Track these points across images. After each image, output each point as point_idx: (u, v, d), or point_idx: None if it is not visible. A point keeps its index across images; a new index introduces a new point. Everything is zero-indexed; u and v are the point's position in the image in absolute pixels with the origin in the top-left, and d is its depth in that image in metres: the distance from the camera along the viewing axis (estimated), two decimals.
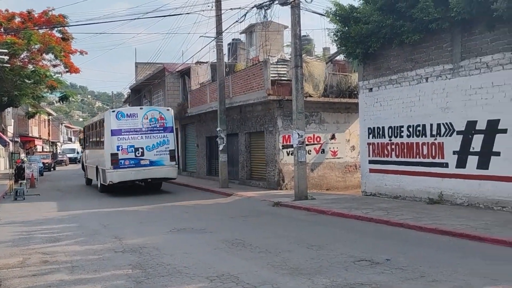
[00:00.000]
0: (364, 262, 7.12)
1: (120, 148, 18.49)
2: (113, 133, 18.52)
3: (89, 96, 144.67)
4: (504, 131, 11.01)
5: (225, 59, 25.38)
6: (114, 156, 18.41)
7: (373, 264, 6.98)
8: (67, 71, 32.28)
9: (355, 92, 18.19)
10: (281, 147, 18.68)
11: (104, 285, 6.42)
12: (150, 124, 19.05)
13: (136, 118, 18.92)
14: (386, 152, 14.65)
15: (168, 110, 20.28)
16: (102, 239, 9.82)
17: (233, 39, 30.01)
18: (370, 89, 15.26)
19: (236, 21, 17.88)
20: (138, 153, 18.69)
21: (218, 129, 20.93)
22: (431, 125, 13.04)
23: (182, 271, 6.93)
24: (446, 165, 12.59)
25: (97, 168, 20.78)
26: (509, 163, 10.92)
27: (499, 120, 11.14)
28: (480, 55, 11.59)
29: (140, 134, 18.81)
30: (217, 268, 7.04)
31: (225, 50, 26.41)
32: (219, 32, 20.51)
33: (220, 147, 20.84)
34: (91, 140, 24.03)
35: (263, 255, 7.86)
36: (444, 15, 11.54)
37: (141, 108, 20.64)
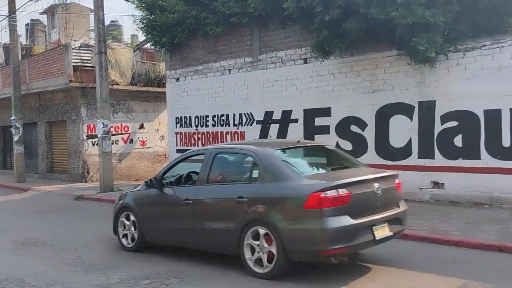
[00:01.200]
0: None
1: None
2: None
3: None
4: (296, 120, 12.10)
5: (23, 40, 23.05)
6: None
7: None
8: None
9: (164, 81, 18.10)
10: (85, 137, 17.65)
11: None
12: None
13: None
14: (193, 141, 14.91)
15: None
16: None
17: (31, 20, 27.34)
18: (177, 79, 15.33)
19: None
20: None
21: (12, 118, 18.89)
22: (234, 115, 13.66)
23: None
24: None
25: None
26: None
27: (291, 110, 12.19)
28: (276, 50, 12.50)
29: None
30: None
31: (22, 31, 23.93)
32: (12, 10, 18.45)
33: (16, 138, 18.85)
34: None
35: (57, 253, 7.30)
36: (244, 10, 12.10)
37: None
